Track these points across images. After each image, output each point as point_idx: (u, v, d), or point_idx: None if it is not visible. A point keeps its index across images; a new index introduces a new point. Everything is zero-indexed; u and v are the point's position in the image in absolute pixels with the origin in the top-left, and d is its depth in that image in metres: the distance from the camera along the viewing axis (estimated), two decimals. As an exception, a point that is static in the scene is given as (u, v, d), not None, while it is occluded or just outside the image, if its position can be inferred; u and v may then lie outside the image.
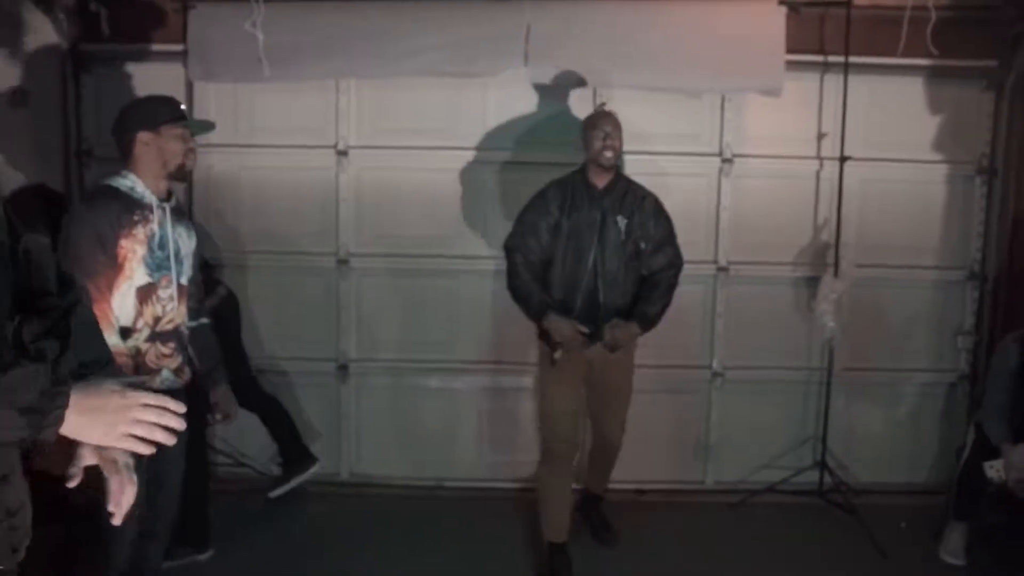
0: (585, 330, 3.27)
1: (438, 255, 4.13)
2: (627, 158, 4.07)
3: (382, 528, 3.79)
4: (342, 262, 4.15)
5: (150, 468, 2.08)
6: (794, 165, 4.13)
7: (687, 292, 4.16)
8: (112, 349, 1.85)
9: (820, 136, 4.13)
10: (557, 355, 3.31)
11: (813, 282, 4.16)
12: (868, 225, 4.13)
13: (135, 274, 2.53)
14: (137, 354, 2.54)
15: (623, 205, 3.33)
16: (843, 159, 3.90)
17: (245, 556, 3.51)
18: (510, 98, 4.07)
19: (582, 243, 3.30)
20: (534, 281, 3.33)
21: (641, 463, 4.19)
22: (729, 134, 4.11)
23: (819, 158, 4.14)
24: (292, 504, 3.96)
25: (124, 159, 2.59)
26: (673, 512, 4.04)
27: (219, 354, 2.89)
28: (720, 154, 4.12)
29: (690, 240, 4.12)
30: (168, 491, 2.65)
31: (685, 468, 4.27)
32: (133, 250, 2.52)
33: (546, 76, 3.86)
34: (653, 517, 3.96)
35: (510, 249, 3.38)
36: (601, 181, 3.34)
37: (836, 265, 3.92)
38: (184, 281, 2.67)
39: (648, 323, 3.38)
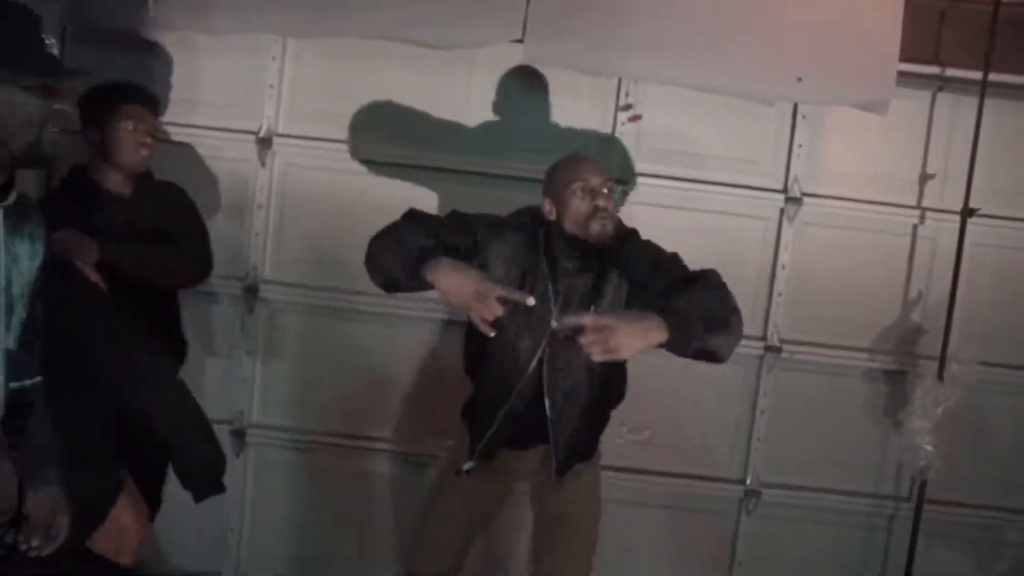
0: (529, 298, 1.96)
1: (378, 293, 2.99)
2: (652, 185, 2.96)
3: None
4: (250, 291, 3.01)
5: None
6: (885, 215, 2.98)
7: (720, 376, 3.02)
8: None
9: (924, 178, 2.99)
10: (467, 466, 2.23)
11: (895, 378, 3.01)
12: (980, 307, 2.97)
13: None
14: None
15: (612, 278, 2.16)
16: (968, 212, 2.74)
17: None
18: (502, 85, 2.95)
19: (527, 329, 2.13)
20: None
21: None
22: (799, 165, 2.96)
23: (920, 208, 2.99)
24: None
25: None
26: None
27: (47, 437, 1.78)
28: (785, 191, 2.97)
29: (731, 305, 3.00)
30: None
31: (696, 617, 3.10)
32: None
33: (550, 57, 2.70)
34: None
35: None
36: (575, 251, 2.17)
37: (942, 363, 2.75)
38: (11, 344, 1.62)
39: (681, 327, 1.92)
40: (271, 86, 2.97)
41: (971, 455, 2.97)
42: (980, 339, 2.88)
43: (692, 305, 1.95)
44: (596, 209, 2.09)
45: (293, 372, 3.06)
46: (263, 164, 2.99)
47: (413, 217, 2.15)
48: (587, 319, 1.86)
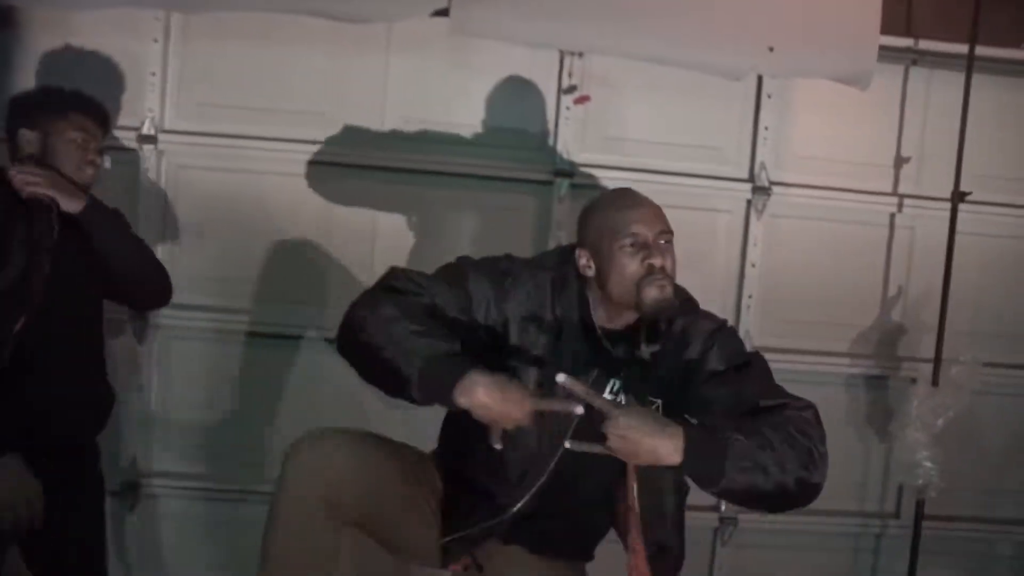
0: (578, 407, 1.46)
1: (290, 313, 2.55)
2: (603, 177, 2.60)
3: None
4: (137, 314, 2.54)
5: None
6: (859, 203, 2.69)
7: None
8: None
9: (899, 162, 2.71)
10: None
11: (877, 383, 2.73)
12: (966, 303, 2.70)
13: None
14: None
15: (658, 374, 1.66)
16: (958, 197, 2.45)
17: None
18: (424, 65, 2.55)
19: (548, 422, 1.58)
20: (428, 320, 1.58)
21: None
22: (766, 150, 2.65)
23: (897, 195, 2.71)
24: None
25: None
26: None
27: None
28: (752, 179, 2.65)
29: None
30: None
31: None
32: None
33: (481, 27, 2.30)
34: None
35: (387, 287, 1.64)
36: (619, 320, 1.69)
37: (937, 366, 2.45)
38: None
39: (708, 445, 1.45)
40: (153, 73, 2.51)
41: (963, 465, 2.69)
42: (972, 337, 2.61)
43: (742, 435, 1.46)
44: (654, 270, 1.61)
45: (187, 410, 2.59)
46: (146, 166, 2.52)
47: (411, 304, 1.58)
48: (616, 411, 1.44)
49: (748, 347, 2.59)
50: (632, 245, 1.61)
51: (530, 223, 2.62)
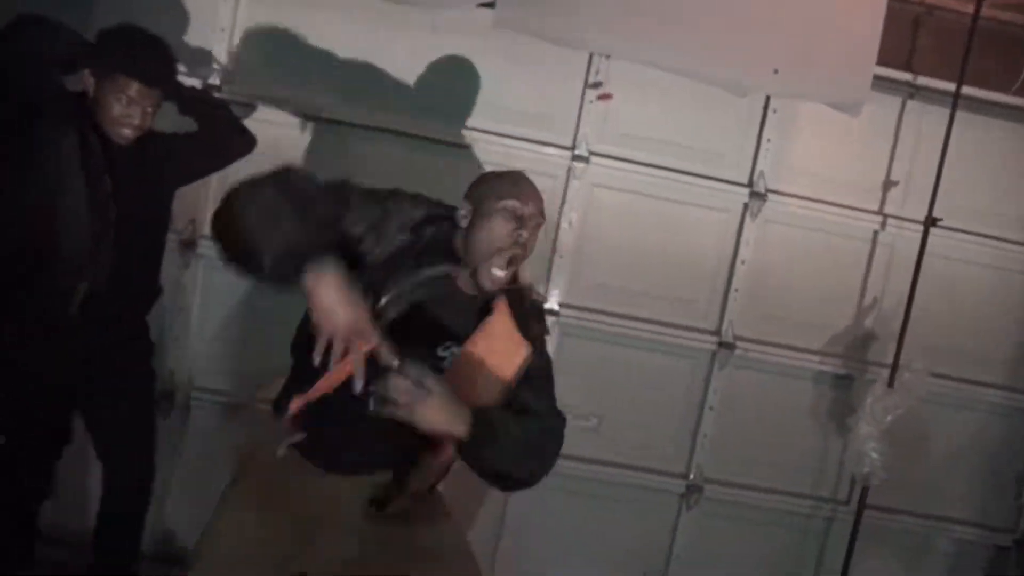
0: (395, 361, 1.58)
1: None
2: (618, 168, 2.88)
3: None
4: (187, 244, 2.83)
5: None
6: (846, 219, 2.95)
7: (671, 368, 3.00)
8: None
9: (888, 185, 2.97)
10: (281, 451, 1.74)
11: (843, 382, 3.00)
12: (930, 318, 2.96)
13: None
14: None
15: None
16: (930, 222, 2.72)
17: None
18: (465, 54, 2.82)
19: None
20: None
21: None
22: (766, 160, 2.91)
23: (882, 214, 2.97)
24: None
25: None
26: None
27: None
28: (750, 185, 2.92)
29: (687, 299, 2.96)
30: None
31: (627, 611, 3.06)
32: None
33: (522, 24, 2.56)
34: None
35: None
36: (475, 290, 1.80)
37: (893, 370, 2.74)
38: None
39: (483, 440, 1.66)
40: (223, 29, 2.79)
41: (910, 463, 2.97)
42: (929, 350, 2.88)
43: (512, 431, 1.69)
44: (514, 243, 1.73)
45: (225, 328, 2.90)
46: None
47: (295, 179, 1.65)
48: (410, 377, 1.58)
49: (730, 337, 2.93)
50: (511, 211, 1.73)
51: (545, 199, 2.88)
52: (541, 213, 1.79)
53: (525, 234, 1.74)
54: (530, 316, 1.84)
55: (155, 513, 2.86)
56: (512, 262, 1.74)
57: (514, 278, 1.82)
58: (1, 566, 2.37)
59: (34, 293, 2.17)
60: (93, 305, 2.23)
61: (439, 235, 1.78)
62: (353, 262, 1.66)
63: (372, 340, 1.54)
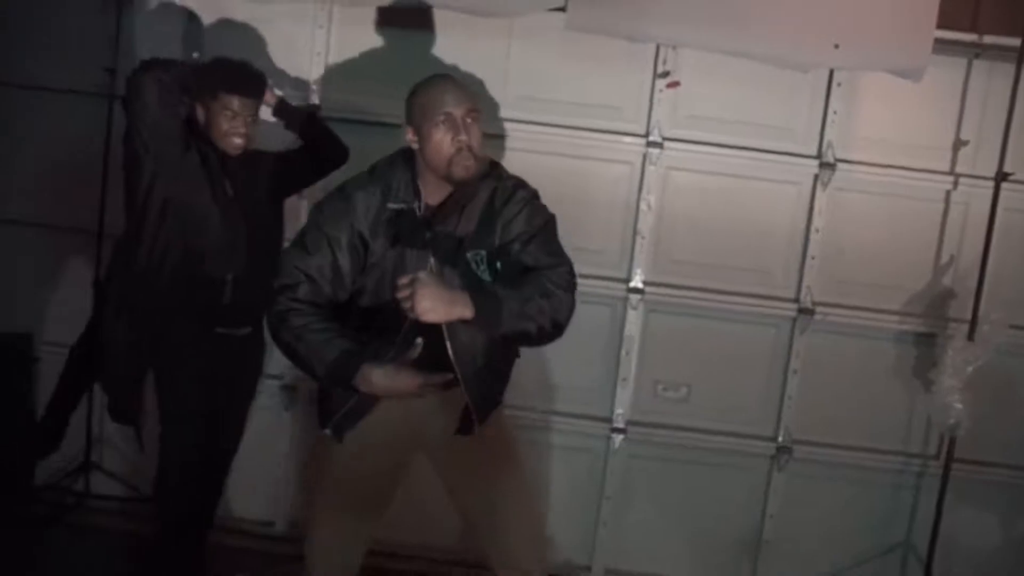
0: (440, 379, 1.93)
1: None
2: (690, 151, 3.04)
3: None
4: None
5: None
6: (918, 181, 3.04)
7: (754, 336, 3.14)
8: None
9: (958, 145, 3.04)
10: (327, 429, 2.12)
11: (925, 341, 3.09)
12: (1008, 270, 3.02)
13: None
14: None
15: (481, 231, 2.02)
16: (1001, 177, 2.79)
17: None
18: (541, 55, 3.02)
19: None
20: (325, 321, 2.00)
21: (669, 553, 3.18)
22: (833, 131, 3.02)
23: (954, 174, 3.04)
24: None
25: None
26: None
27: None
28: (819, 157, 3.04)
29: (765, 269, 3.10)
30: None
31: (727, 568, 3.21)
32: None
33: (592, 24, 2.76)
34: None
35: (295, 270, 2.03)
36: (441, 194, 2.03)
37: (973, 324, 2.82)
38: None
39: (489, 310, 1.90)
40: (319, 53, 3.07)
41: (999, 416, 3.03)
42: (1009, 303, 2.94)
43: (514, 293, 1.93)
44: (459, 148, 1.94)
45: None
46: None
47: (307, 311, 1.98)
48: (405, 278, 1.86)
49: (809, 303, 3.06)
50: (444, 123, 1.93)
51: (622, 186, 3.09)
52: (474, 107, 1.98)
53: (464, 136, 1.94)
54: (506, 203, 2.04)
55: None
56: (471, 157, 1.95)
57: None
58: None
59: (195, 284, 2.57)
60: (239, 292, 2.59)
61: (403, 174, 2.02)
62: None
63: (421, 380, 1.90)
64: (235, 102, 2.55)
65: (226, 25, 3.04)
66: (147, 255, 2.56)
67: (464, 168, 1.95)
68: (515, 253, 2.01)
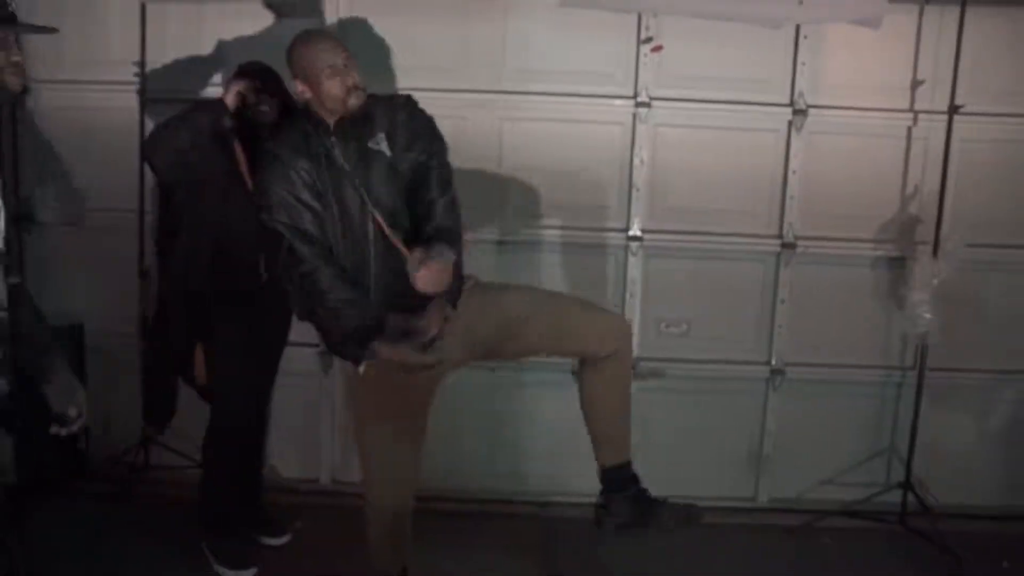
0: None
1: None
2: (676, 108, 3.34)
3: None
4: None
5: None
6: (882, 120, 3.36)
7: (744, 272, 3.47)
8: None
9: (916, 84, 3.35)
10: (362, 368, 2.34)
11: (897, 264, 3.42)
12: (969, 195, 3.36)
13: None
14: None
15: (376, 124, 2.35)
16: (953, 110, 3.12)
17: None
18: (535, 30, 3.30)
19: (345, 197, 2.29)
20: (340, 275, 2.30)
21: (681, 474, 3.46)
22: (803, 80, 3.33)
23: (913, 111, 3.36)
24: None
25: None
26: (720, 535, 3.32)
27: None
28: (792, 104, 3.35)
29: (750, 211, 3.43)
30: None
31: (734, 482, 3.56)
32: None
33: (585, 0, 3.04)
34: (693, 539, 3.24)
35: (283, 232, 2.28)
36: (332, 119, 2.35)
37: (936, 243, 3.16)
38: None
39: (453, 239, 2.29)
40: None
41: (965, 325, 3.38)
42: (968, 224, 3.28)
43: (450, 219, 2.31)
44: (351, 89, 2.28)
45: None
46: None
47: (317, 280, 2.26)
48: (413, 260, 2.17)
49: (791, 238, 3.38)
50: (331, 72, 2.28)
51: (616, 144, 3.38)
52: (348, 53, 2.32)
53: (351, 79, 2.28)
54: (391, 111, 2.36)
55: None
56: (360, 92, 2.29)
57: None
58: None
59: (233, 265, 2.85)
60: (271, 270, 2.79)
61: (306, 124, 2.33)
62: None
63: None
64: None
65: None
66: (187, 245, 2.86)
67: (357, 98, 2.29)
68: (414, 151, 2.34)
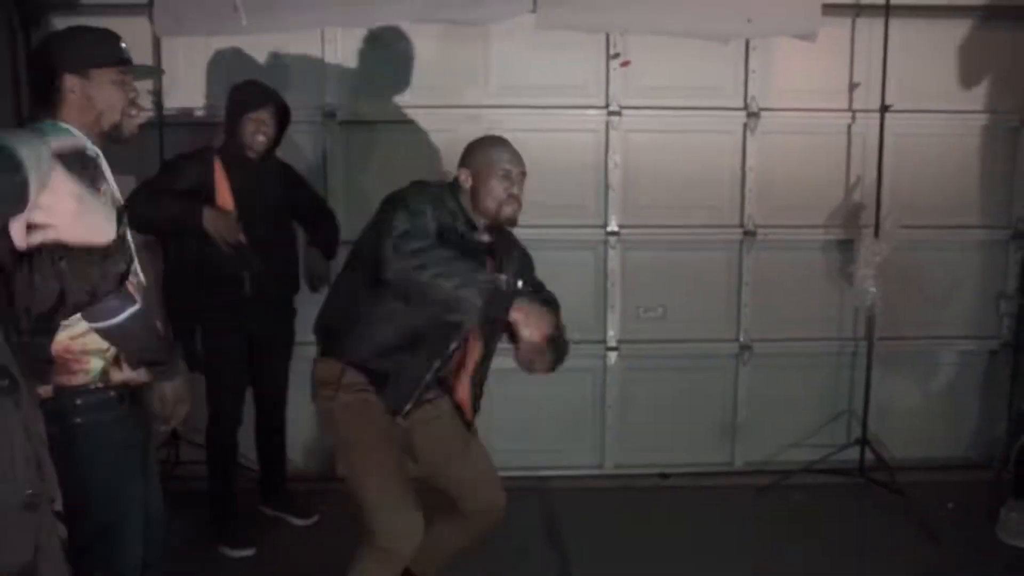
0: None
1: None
2: (643, 115, 3.75)
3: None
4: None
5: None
6: (825, 119, 3.80)
7: (711, 259, 3.87)
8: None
9: (853, 86, 3.80)
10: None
11: (845, 246, 3.85)
12: (905, 182, 3.81)
13: None
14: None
15: (509, 263, 2.44)
16: (884, 109, 3.56)
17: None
18: (515, 50, 3.68)
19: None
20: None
21: (664, 445, 3.90)
22: (755, 86, 3.76)
23: (851, 111, 3.81)
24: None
25: (46, 105, 1.91)
26: (700, 496, 3.73)
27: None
28: (745, 108, 3.77)
29: (713, 204, 3.85)
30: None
31: (712, 449, 3.96)
32: None
33: (558, 22, 3.43)
34: (678, 502, 3.67)
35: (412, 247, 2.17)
36: (486, 234, 2.40)
37: (877, 225, 3.60)
38: None
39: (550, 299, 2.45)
40: (329, 67, 3.68)
41: (906, 298, 3.82)
42: (907, 207, 3.72)
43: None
44: (512, 196, 2.34)
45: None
46: (329, 134, 3.71)
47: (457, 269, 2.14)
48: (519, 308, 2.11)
49: (751, 226, 3.78)
50: (503, 175, 2.33)
51: (591, 150, 3.78)
52: (524, 170, 2.38)
53: (516, 190, 2.35)
54: (513, 244, 2.52)
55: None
56: (517, 205, 2.35)
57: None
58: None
59: (219, 282, 3.11)
60: (256, 287, 3.13)
61: (453, 203, 2.36)
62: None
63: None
64: (263, 115, 3.08)
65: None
66: (175, 258, 3.16)
67: (512, 211, 2.35)
68: (528, 277, 2.48)
